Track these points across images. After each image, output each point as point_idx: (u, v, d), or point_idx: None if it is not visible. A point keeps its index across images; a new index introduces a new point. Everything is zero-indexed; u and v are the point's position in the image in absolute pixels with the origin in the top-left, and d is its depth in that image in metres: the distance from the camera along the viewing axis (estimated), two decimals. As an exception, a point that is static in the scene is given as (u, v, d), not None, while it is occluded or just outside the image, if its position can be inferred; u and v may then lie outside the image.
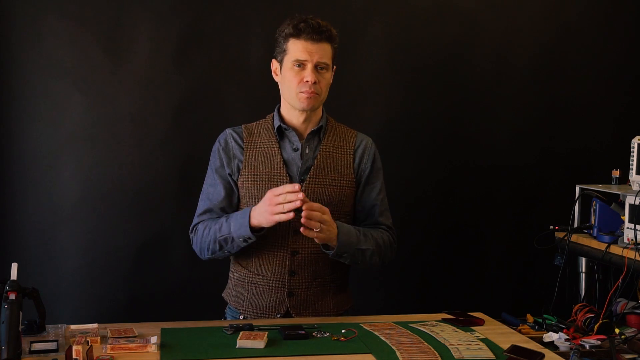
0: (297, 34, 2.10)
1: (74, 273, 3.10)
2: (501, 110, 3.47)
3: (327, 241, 2.05)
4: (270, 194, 2.00)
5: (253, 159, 2.18)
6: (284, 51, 2.14)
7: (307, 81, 2.10)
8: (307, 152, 2.19)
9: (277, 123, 2.20)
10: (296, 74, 2.11)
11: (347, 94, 3.26)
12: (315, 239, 2.03)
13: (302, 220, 1.97)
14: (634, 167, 2.59)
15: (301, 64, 2.11)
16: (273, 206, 1.98)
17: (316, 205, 2.00)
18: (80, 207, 3.09)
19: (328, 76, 2.15)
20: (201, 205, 2.24)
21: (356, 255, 2.13)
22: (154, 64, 3.12)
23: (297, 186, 1.97)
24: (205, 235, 2.16)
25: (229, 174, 2.20)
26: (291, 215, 1.97)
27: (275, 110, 2.24)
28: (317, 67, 2.11)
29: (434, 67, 3.39)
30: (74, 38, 3.04)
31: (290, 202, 1.96)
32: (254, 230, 2.05)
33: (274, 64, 2.20)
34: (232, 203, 2.21)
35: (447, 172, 3.44)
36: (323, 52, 2.11)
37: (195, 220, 2.24)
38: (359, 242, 2.12)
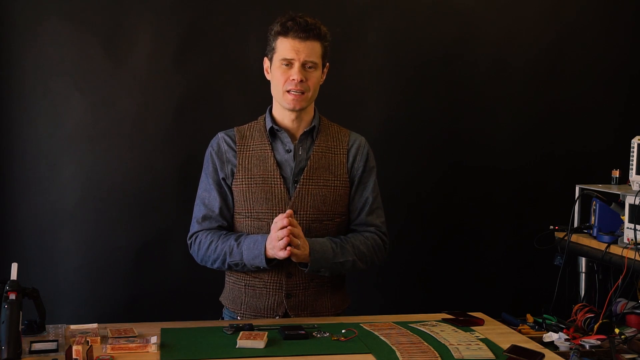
0: (284, 33, 2.10)
1: (74, 273, 3.10)
2: (501, 110, 3.47)
3: (301, 259, 2.06)
4: (272, 232, 2.02)
5: (246, 162, 2.17)
6: (273, 49, 2.14)
7: (293, 79, 2.09)
8: (300, 153, 2.18)
9: (269, 124, 2.19)
10: (283, 72, 2.11)
11: (347, 94, 3.26)
12: (292, 258, 2.04)
13: (285, 237, 1.99)
14: (634, 167, 2.59)
15: (289, 63, 2.10)
16: (277, 243, 2.00)
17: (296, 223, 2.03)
18: (80, 207, 3.10)
19: (317, 74, 2.14)
20: (197, 211, 2.22)
21: (334, 267, 2.13)
22: (154, 64, 3.12)
23: (289, 211, 2.01)
24: (211, 251, 2.15)
25: (222, 178, 2.19)
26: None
27: (267, 111, 2.23)
28: (305, 66, 2.10)
29: (434, 67, 3.39)
30: (74, 38, 3.04)
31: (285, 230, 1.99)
32: (269, 260, 2.07)
33: (266, 62, 2.20)
34: (229, 207, 2.20)
35: (447, 172, 3.43)
36: (311, 50, 2.10)
37: (195, 227, 2.22)
38: (335, 256, 2.11)
